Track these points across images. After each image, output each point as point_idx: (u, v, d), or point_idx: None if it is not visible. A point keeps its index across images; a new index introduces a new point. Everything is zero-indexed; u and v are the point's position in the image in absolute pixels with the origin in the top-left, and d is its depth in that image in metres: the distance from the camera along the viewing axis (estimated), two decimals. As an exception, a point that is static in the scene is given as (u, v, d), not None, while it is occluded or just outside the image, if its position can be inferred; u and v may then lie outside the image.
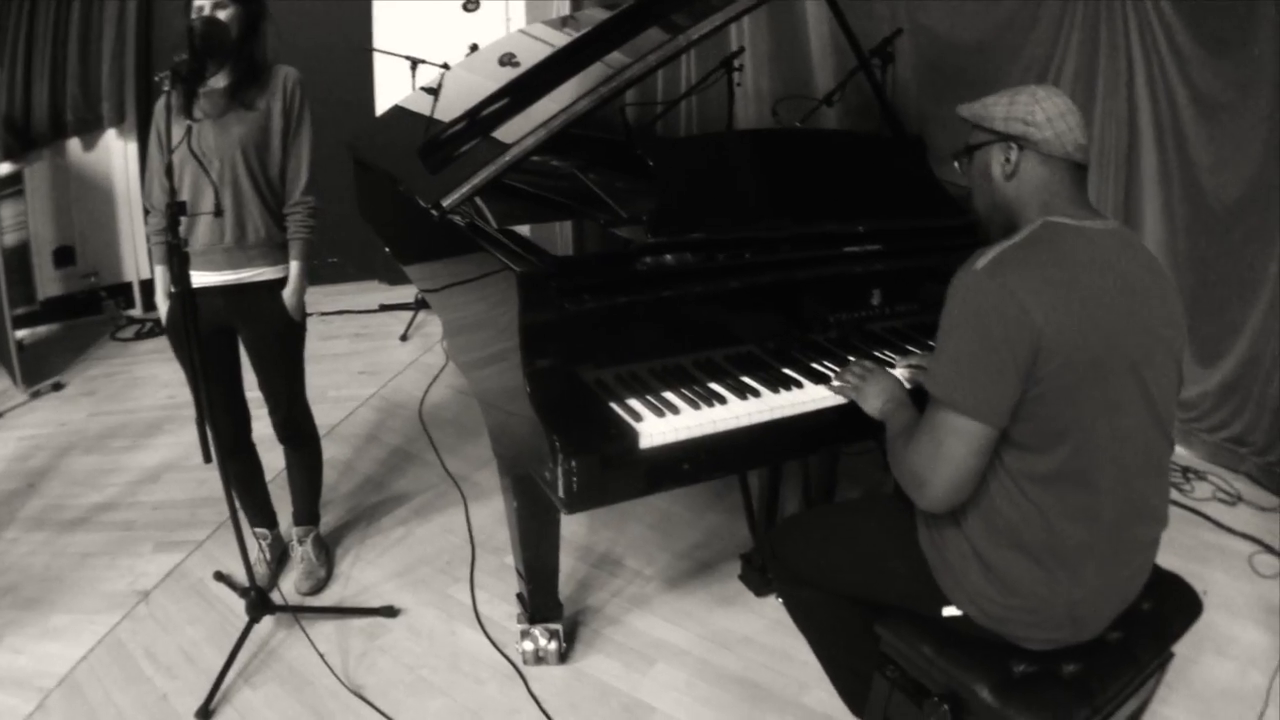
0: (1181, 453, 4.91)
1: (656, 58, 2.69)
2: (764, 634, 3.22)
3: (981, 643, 2.16)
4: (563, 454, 2.13)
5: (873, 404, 2.39)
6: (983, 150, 2.21)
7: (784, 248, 2.73)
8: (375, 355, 5.70)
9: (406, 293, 6.44)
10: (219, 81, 2.92)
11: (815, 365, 2.64)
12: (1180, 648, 2.55)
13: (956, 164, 2.32)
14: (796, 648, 2.95)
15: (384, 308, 6.43)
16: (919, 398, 2.19)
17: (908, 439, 2.10)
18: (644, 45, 2.82)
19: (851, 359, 2.61)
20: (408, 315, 6.18)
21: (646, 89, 6.03)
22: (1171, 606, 2.38)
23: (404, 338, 5.95)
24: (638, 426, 2.25)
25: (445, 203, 2.66)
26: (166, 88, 2.51)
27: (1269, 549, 4.04)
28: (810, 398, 2.49)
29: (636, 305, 2.43)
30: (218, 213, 2.87)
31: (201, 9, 2.82)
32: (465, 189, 2.65)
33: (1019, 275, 1.94)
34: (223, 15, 2.83)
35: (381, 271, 6.83)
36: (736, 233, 2.70)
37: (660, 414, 2.32)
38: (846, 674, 2.67)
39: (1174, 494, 4.41)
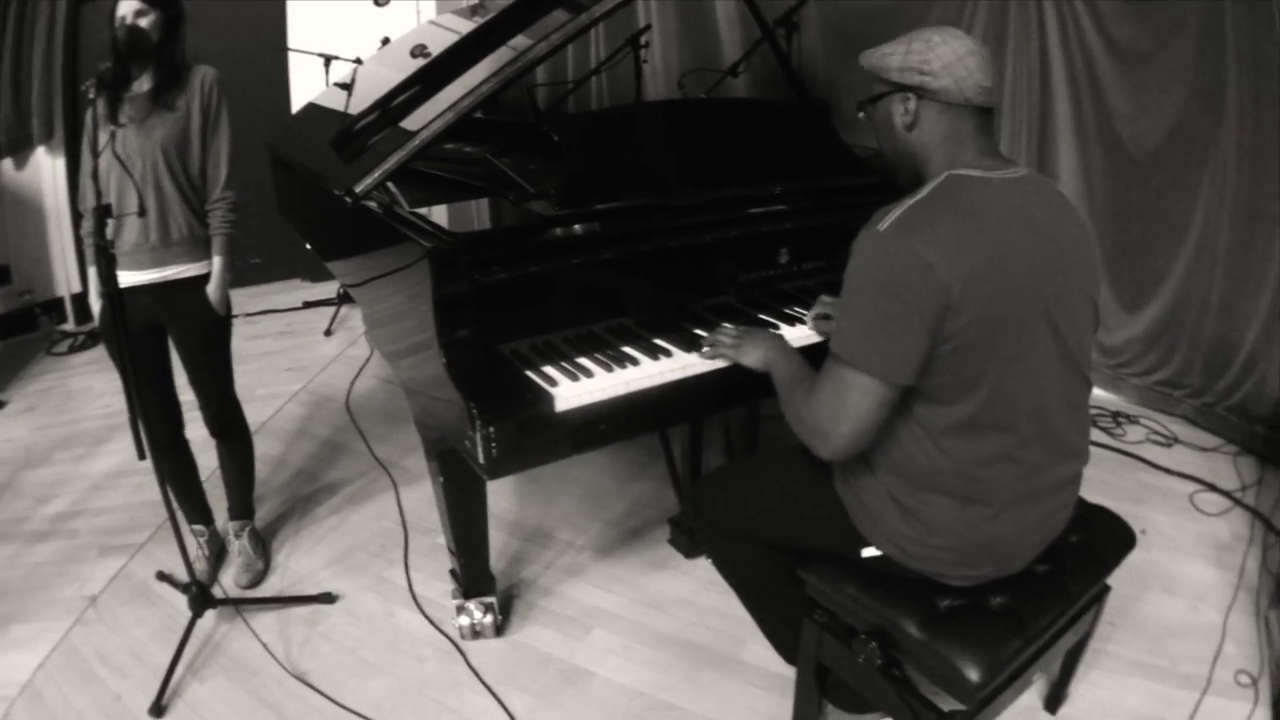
0: (1112, 398, 5.07)
1: (559, 37, 2.75)
2: (697, 594, 3.33)
3: (905, 581, 2.23)
4: (480, 421, 2.22)
5: (754, 355, 2.45)
6: (883, 101, 2.20)
7: (690, 213, 2.82)
8: (301, 352, 5.76)
9: (329, 289, 6.51)
10: (142, 86, 3.00)
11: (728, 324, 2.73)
12: (1124, 586, 2.69)
13: (861, 114, 2.31)
14: (729, 605, 3.07)
15: (307, 304, 6.48)
16: (822, 353, 2.17)
17: (806, 391, 2.14)
18: (548, 26, 2.88)
19: (725, 325, 2.70)
20: (331, 310, 6.25)
21: (557, 69, 6.11)
22: (1102, 539, 2.48)
23: (328, 333, 6.02)
24: (553, 391, 2.36)
25: (358, 189, 2.73)
26: (93, 95, 2.63)
27: (1212, 487, 4.18)
28: (723, 355, 2.60)
29: (546, 275, 2.53)
30: (141, 213, 2.96)
31: (124, 18, 2.89)
32: (377, 174, 2.73)
33: (922, 234, 1.94)
34: (144, 22, 2.91)
35: (303, 269, 6.88)
36: (643, 200, 2.79)
37: (575, 378, 2.43)
38: (777, 623, 2.76)
39: (1107, 439, 4.60)
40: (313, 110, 4.42)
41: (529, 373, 2.45)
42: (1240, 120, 4.36)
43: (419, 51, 3.98)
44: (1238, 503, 4.05)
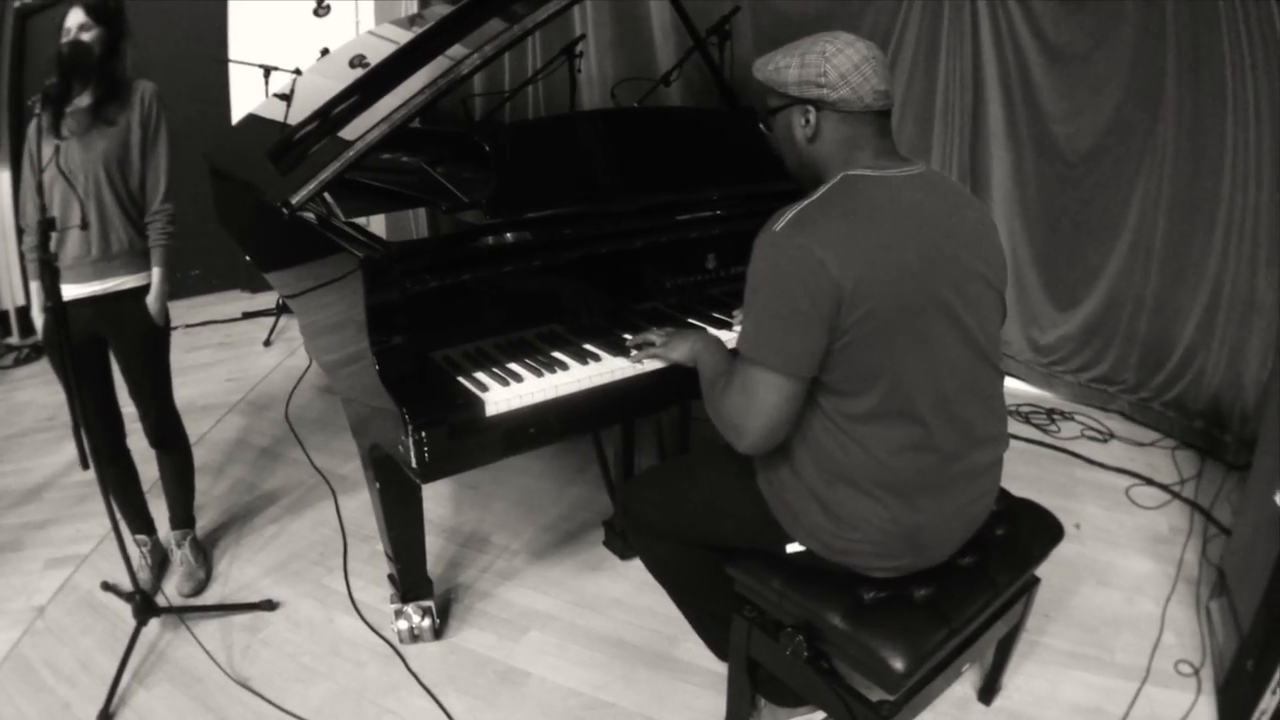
0: (1046, 396, 5.21)
1: (493, 47, 2.81)
2: (631, 595, 3.44)
3: (830, 574, 2.31)
4: (412, 426, 2.32)
5: (682, 349, 2.55)
6: (782, 114, 2.24)
7: (619, 220, 2.93)
8: (240, 362, 5.81)
9: (268, 299, 6.55)
10: (83, 100, 3.05)
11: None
12: (1058, 579, 2.79)
13: (762, 126, 2.37)
14: (664, 605, 3.14)
15: (247, 315, 6.51)
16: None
17: (722, 387, 2.22)
18: (484, 35, 2.94)
19: (654, 327, 2.80)
20: (270, 321, 6.30)
21: (494, 79, 6.18)
22: (1027, 531, 2.56)
23: (267, 343, 6.07)
24: (483, 396, 2.46)
25: (294, 200, 2.79)
26: (37, 110, 2.71)
27: (1149, 481, 4.32)
28: (652, 358, 2.70)
29: (477, 284, 2.62)
30: (84, 225, 3.03)
31: (69, 31, 2.97)
32: (312, 185, 2.78)
33: (815, 232, 2.01)
34: (87, 37, 2.98)
35: (243, 280, 6.91)
36: (572, 208, 2.89)
37: (505, 383, 2.53)
38: (708, 620, 2.85)
39: (1041, 435, 4.73)
40: (252, 121, 4.48)
41: (460, 379, 2.55)
42: (1178, 118, 4.47)
43: (358, 62, 4.04)
44: (1176, 495, 4.20)
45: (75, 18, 2.98)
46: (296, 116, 3.59)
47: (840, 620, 2.23)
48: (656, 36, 5.80)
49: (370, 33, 4.93)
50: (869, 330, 2.01)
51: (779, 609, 2.39)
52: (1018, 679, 3.03)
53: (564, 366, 2.65)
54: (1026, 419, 4.95)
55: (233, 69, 6.22)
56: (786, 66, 2.17)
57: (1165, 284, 4.75)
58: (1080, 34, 4.67)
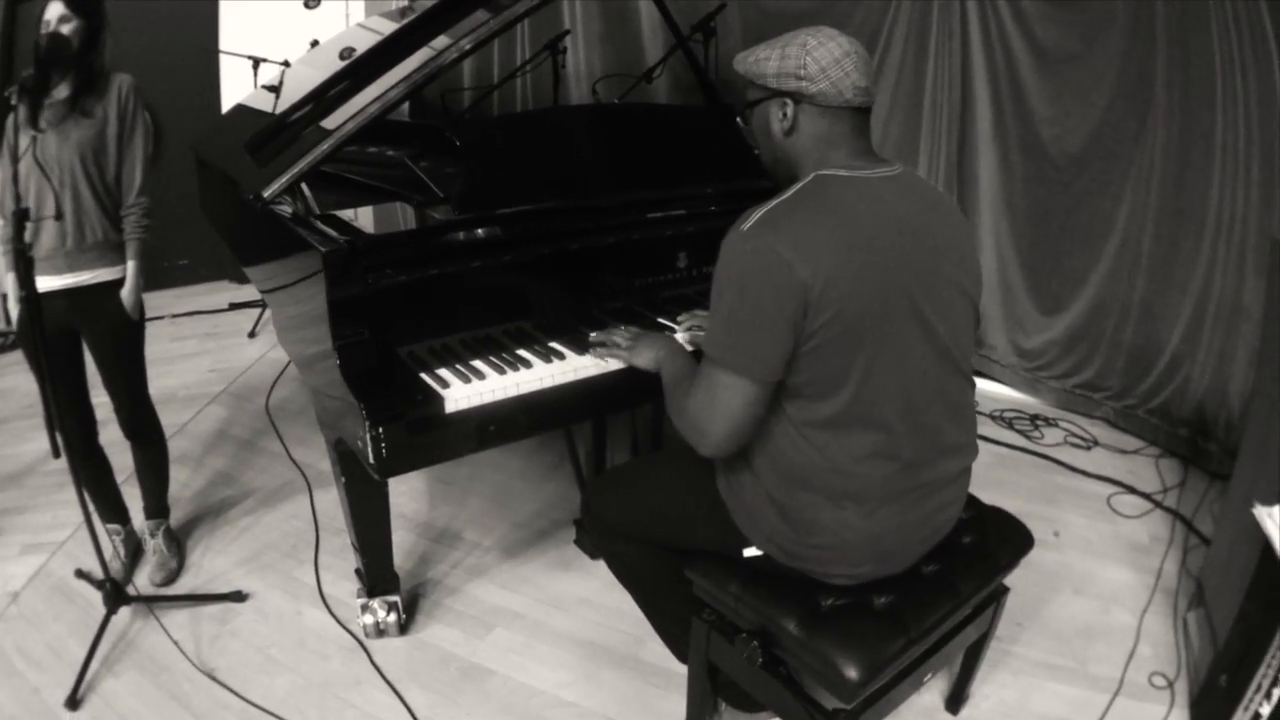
0: (1030, 401, 5.19)
1: (473, 39, 2.81)
2: (599, 594, 3.45)
3: (788, 579, 2.30)
4: (369, 421, 2.33)
5: (646, 356, 2.56)
6: (760, 106, 2.22)
7: (588, 217, 2.95)
8: (224, 353, 5.81)
9: (254, 290, 6.51)
10: (61, 92, 3.06)
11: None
12: (1033, 587, 2.78)
13: (739, 120, 2.35)
14: (631, 606, 3.10)
15: (233, 306, 6.51)
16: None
17: (686, 390, 2.22)
18: (467, 27, 2.94)
19: (621, 326, 2.81)
20: (255, 313, 6.30)
21: (483, 73, 6.19)
22: (995, 540, 2.54)
23: (252, 334, 6.08)
24: (443, 393, 2.47)
25: (266, 193, 2.81)
26: (14, 101, 2.73)
27: (1131, 489, 4.31)
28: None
29: (444, 279, 2.63)
30: (58, 216, 3.04)
31: (49, 23, 2.98)
32: (285, 178, 2.80)
33: (782, 233, 1.98)
34: (66, 29, 2.99)
35: (230, 270, 6.89)
36: (540, 205, 2.91)
37: (467, 380, 2.55)
38: (669, 622, 2.86)
39: (1022, 441, 4.72)
40: (240, 111, 4.48)
41: (422, 374, 2.56)
42: (1168, 122, 4.46)
43: (347, 54, 4.04)
44: (1157, 505, 4.19)
45: (55, 9, 2.98)
46: (284, 107, 3.61)
47: (795, 627, 2.22)
48: (645, 32, 5.81)
49: (360, 25, 4.91)
50: (836, 333, 2.00)
51: (736, 613, 2.40)
52: (987, 688, 3.03)
53: (527, 364, 2.67)
54: (1010, 424, 4.95)
55: (224, 60, 6.20)
56: (767, 59, 2.16)
57: (1152, 289, 4.74)
58: (1070, 35, 4.66)
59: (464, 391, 2.49)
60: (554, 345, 2.79)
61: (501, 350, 2.75)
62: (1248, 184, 4.27)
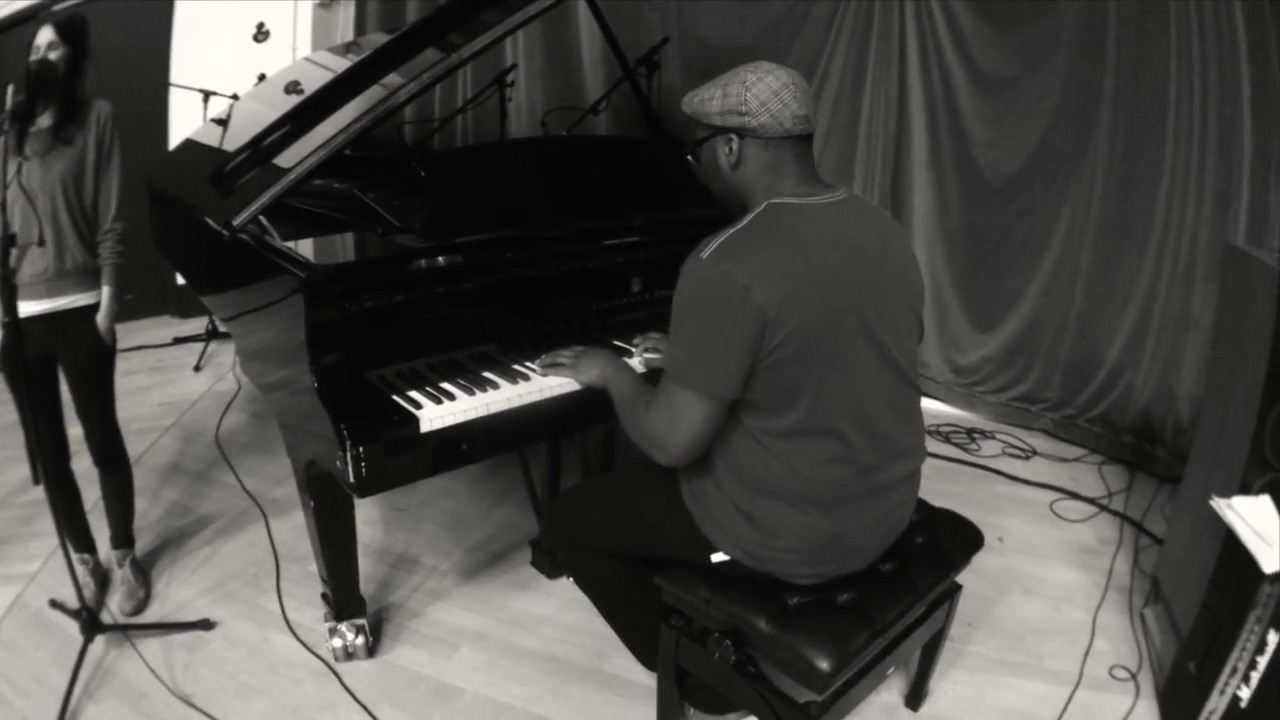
0: (967, 416, 5.36)
1: (430, 76, 2.93)
2: (559, 612, 3.54)
3: (755, 581, 2.44)
4: (350, 441, 2.42)
5: (590, 373, 2.71)
6: (708, 144, 2.37)
7: (547, 245, 3.06)
8: (171, 387, 5.82)
9: (198, 324, 6.53)
10: (45, 120, 3.11)
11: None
12: (981, 589, 2.91)
13: (689, 159, 2.50)
14: (591, 621, 3.29)
15: (177, 340, 6.51)
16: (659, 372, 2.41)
17: (644, 406, 2.37)
18: (420, 65, 3.05)
19: (563, 349, 2.92)
20: (200, 346, 6.30)
21: (424, 107, 6.25)
22: (947, 539, 2.73)
23: (198, 368, 6.08)
24: (418, 414, 2.56)
25: (235, 221, 2.88)
26: (5, 129, 2.75)
27: (1074, 495, 4.51)
28: (578, 378, 2.83)
29: (413, 305, 2.74)
30: (40, 243, 3.09)
31: (38, 49, 3.04)
32: (254, 207, 2.87)
33: (740, 260, 2.14)
34: (54, 56, 3.05)
35: (174, 305, 6.89)
36: (504, 233, 3.01)
37: (438, 401, 2.64)
38: (636, 631, 2.98)
39: (961, 454, 4.89)
40: (190, 146, 4.52)
41: (395, 397, 2.66)
42: (1111, 140, 4.66)
43: (293, 88, 4.11)
44: (1103, 508, 4.40)
45: (45, 35, 3.04)
46: (232, 141, 3.68)
47: (766, 624, 2.35)
48: (586, 66, 5.93)
49: (306, 59, 5.03)
50: (791, 351, 2.14)
51: (706, 616, 2.51)
52: (944, 685, 3.17)
53: (495, 385, 2.77)
54: (946, 438, 5.11)
55: (173, 93, 6.22)
56: (710, 98, 2.31)
57: (1091, 305, 4.94)
58: (1012, 59, 4.84)
59: (437, 412, 2.58)
60: (518, 367, 2.91)
61: (468, 373, 2.85)
62: (1199, 196, 4.46)
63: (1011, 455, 5.01)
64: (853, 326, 2.22)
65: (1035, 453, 5.02)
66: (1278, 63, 4.18)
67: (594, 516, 2.77)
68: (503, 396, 2.71)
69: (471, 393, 2.71)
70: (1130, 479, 4.78)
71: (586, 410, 2.87)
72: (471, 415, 2.64)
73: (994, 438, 5.19)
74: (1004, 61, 4.89)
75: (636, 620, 2.93)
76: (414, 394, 2.67)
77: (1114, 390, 4.97)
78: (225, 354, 6.25)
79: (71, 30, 3.11)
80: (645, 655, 3.02)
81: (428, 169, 3.03)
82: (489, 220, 3.03)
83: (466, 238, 2.96)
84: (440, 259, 2.89)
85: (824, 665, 2.24)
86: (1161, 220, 4.63)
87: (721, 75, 2.33)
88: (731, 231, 2.23)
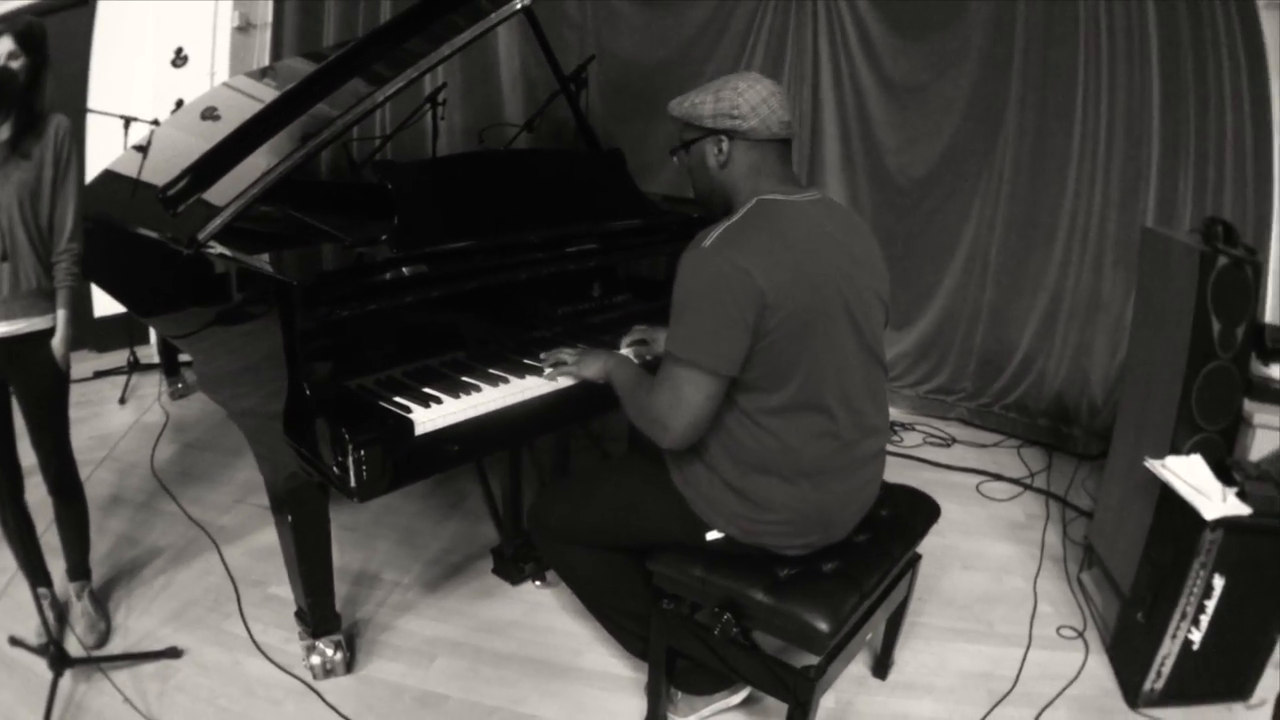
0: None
1: (365, 107, 3.07)
2: (528, 616, 3.60)
3: (746, 557, 2.61)
4: (352, 445, 2.43)
5: (594, 368, 2.81)
6: (697, 145, 2.57)
7: (516, 252, 3.13)
8: (98, 421, 5.74)
9: (118, 358, 6.46)
10: (3, 134, 2.99)
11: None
12: (924, 566, 3.04)
13: (675, 157, 2.68)
14: (561, 622, 3.41)
15: (99, 374, 6.42)
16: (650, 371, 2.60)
17: (647, 390, 2.50)
18: (348, 97, 3.18)
19: (564, 349, 3.00)
20: (123, 379, 6.23)
21: (367, 124, 6.16)
22: (909, 511, 2.96)
23: (122, 401, 6.00)
24: (411, 417, 2.60)
25: (200, 235, 2.91)
26: None
27: (998, 476, 4.76)
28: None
29: (394, 313, 2.80)
30: (3, 258, 2.99)
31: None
32: (218, 220, 2.93)
33: (740, 248, 2.32)
34: (15, 65, 2.98)
35: (92, 339, 6.77)
36: (475, 242, 3.07)
37: (426, 405, 2.68)
38: (626, 620, 3.05)
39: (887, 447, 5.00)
40: (109, 177, 4.47)
41: (382, 403, 2.69)
42: (1019, 137, 4.88)
43: (209, 114, 4.11)
44: (1027, 487, 4.66)
45: (4, 45, 2.97)
46: (154, 169, 3.70)
47: (763, 595, 2.51)
48: (505, 85, 6.02)
49: (225, 85, 5.01)
50: (787, 332, 2.33)
51: (702, 594, 2.64)
52: (905, 654, 3.35)
53: (477, 389, 2.83)
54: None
55: (90, 119, 6.10)
56: (702, 103, 2.52)
57: (1001, 296, 5.15)
58: (922, 67, 5.05)
59: (428, 415, 2.62)
60: (493, 371, 2.97)
61: (445, 379, 2.90)
62: (1107, 187, 4.70)
63: (933, 444, 5.24)
64: (837, 310, 2.42)
65: (955, 440, 5.26)
66: (1189, 53, 4.39)
67: (581, 510, 2.87)
68: (487, 399, 2.78)
69: (457, 396, 2.76)
70: (1049, 459, 5.04)
71: (575, 404, 2.99)
72: (461, 417, 2.69)
73: (913, 429, 5.42)
74: (913, 70, 5.10)
75: (624, 608, 3.01)
76: (400, 399, 2.71)
77: (1028, 377, 5.19)
78: (148, 386, 6.18)
79: (31, 39, 3.02)
80: (634, 642, 3.08)
81: (393, 180, 3.08)
82: (455, 230, 3.09)
83: (434, 248, 2.99)
84: (424, 266, 2.91)
85: (823, 626, 2.41)
86: (1070, 211, 4.86)
87: (710, 83, 2.55)
88: (727, 224, 2.41)
